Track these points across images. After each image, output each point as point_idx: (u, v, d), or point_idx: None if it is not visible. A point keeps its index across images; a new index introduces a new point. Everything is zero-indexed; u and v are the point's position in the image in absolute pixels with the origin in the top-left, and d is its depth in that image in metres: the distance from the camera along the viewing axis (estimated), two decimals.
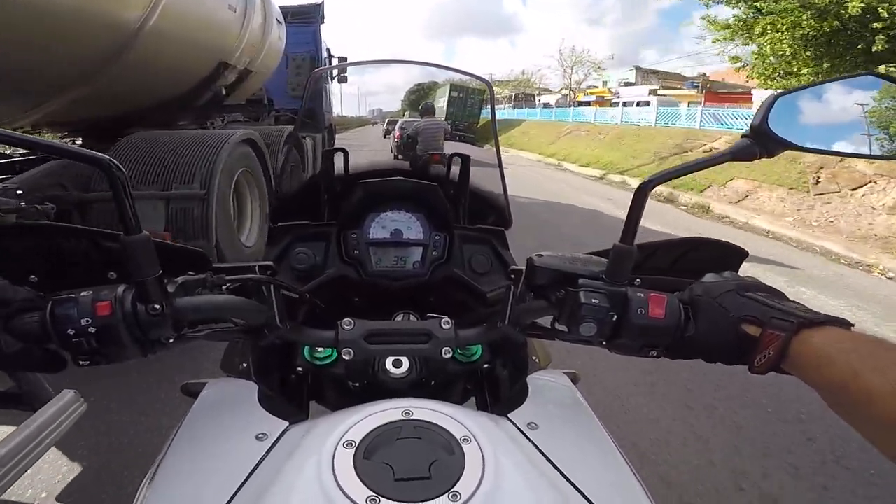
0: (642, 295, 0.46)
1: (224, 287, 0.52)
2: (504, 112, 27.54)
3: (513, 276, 0.56)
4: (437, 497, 0.35)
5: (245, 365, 0.63)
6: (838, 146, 0.49)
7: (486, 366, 0.70)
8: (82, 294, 0.41)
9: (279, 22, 4.78)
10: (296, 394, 0.69)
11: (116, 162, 0.41)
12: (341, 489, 0.35)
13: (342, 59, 7.62)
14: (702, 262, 0.56)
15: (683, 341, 0.46)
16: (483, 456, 0.39)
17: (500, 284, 0.73)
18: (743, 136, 0.45)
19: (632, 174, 9.87)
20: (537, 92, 38.66)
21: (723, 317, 0.44)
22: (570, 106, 23.40)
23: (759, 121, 0.43)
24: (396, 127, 7.66)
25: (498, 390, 0.70)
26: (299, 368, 0.66)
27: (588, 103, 25.28)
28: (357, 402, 0.47)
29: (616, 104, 19.90)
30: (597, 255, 0.52)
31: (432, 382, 0.65)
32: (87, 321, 0.40)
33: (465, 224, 0.83)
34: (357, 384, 0.65)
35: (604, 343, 0.49)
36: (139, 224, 0.42)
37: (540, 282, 0.51)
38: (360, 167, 0.85)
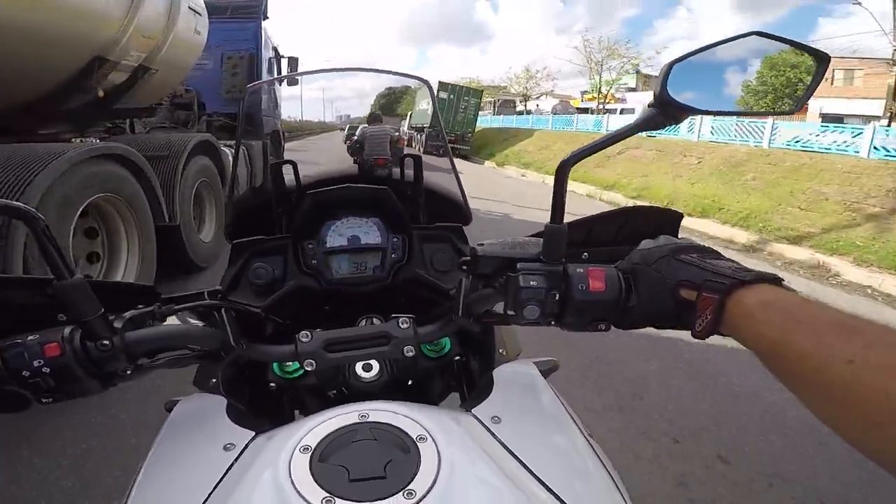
0: (581, 270, 0.47)
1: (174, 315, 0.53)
2: (489, 119, 23.22)
3: (464, 267, 0.56)
4: (391, 496, 0.36)
5: (214, 381, 0.62)
6: (733, 106, 0.51)
7: (457, 358, 0.71)
8: (29, 338, 0.42)
9: (196, 12, 4.06)
10: (278, 406, 0.70)
11: (33, 210, 0.42)
12: (297, 492, 0.36)
13: (292, 60, 6.91)
14: (640, 230, 0.56)
15: (627, 311, 0.46)
16: (439, 453, 0.39)
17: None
18: (648, 105, 0.46)
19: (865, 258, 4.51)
20: (521, 99, 31.47)
21: (660, 283, 0.44)
22: (601, 112, 18.65)
23: (660, 88, 0.44)
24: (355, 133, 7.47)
25: (473, 384, 0.70)
26: (272, 384, 0.66)
27: (587, 110, 22.08)
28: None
29: (629, 111, 17.67)
30: (533, 237, 0.54)
31: (409, 382, 0.66)
32: (40, 362, 0.42)
33: (424, 224, 0.83)
34: (334, 391, 0.65)
35: (552, 322, 0.49)
36: (70, 268, 0.43)
37: (485, 270, 0.52)
38: (310, 178, 0.86)
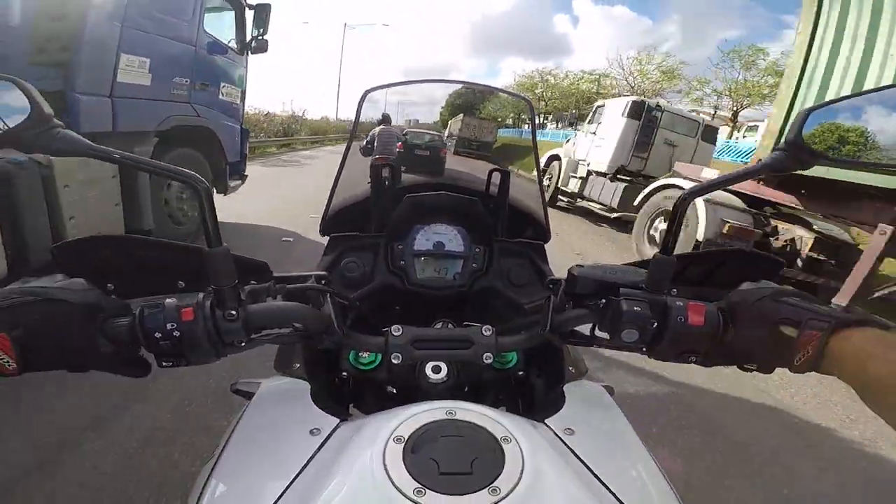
0: (681, 304, 0.48)
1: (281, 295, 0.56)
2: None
3: (551, 285, 0.58)
4: (478, 491, 0.37)
5: (297, 365, 0.65)
6: (869, 158, 0.48)
7: (520, 373, 0.72)
8: (167, 301, 0.45)
9: None
10: (338, 397, 0.71)
11: (203, 180, 0.44)
12: (391, 480, 0.38)
13: (261, 7, 4.10)
14: (737, 274, 0.57)
15: (722, 346, 0.48)
16: (523, 455, 0.41)
17: (538, 296, 0.76)
18: (776, 149, 0.46)
19: None
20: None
21: (760, 320, 0.45)
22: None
23: (794, 134, 0.44)
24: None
25: (531, 398, 0.72)
26: (344, 373, 0.69)
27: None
28: (394, 406, 0.50)
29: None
30: (634, 265, 0.56)
31: (465, 389, 0.67)
32: (173, 325, 0.44)
33: (504, 237, 0.85)
34: (395, 389, 0.68)
35: (643, 349, 0.51)
36: (220, 237, 0.45)
37: (581, 291, 0.54)
38: (407, 181, 0.91)
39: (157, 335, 0.44)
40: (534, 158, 0.97)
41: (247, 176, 4.75)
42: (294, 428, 0.50)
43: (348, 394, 0.73)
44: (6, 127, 0.38)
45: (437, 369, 0.63)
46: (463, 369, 0.64)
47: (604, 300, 0.51)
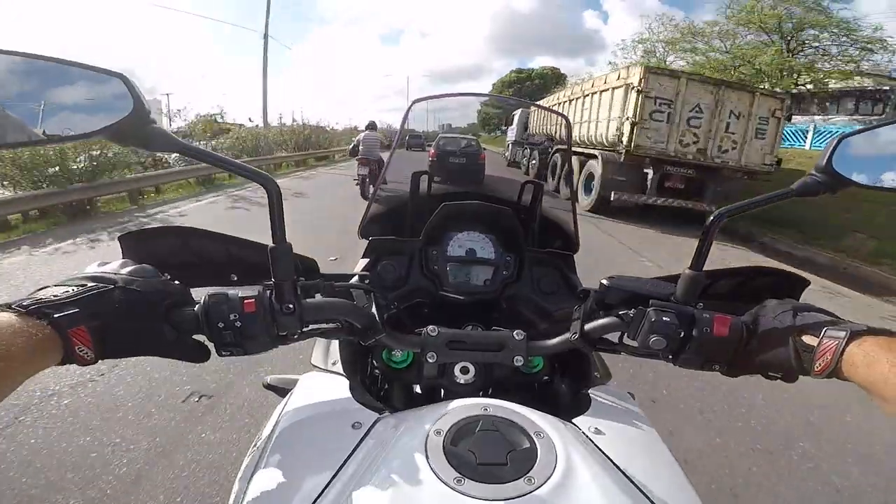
0: (708, 315, 0.51)
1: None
2: None
3: (581, 294, 0.60)
4: (514, 480, 0.40)
5: (333, 361, 0.67)
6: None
7: (545, 378, 0.74)
8: (230, 292, 0.46)
9: None
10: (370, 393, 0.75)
11: (274, 180, 0.47)
12: (433, 470, 0.40)
13: None
14: (763, 290, 0.60)
15: (745, 355, 0.51)
16: (555, 449, 0.44)
17: (566, 304, 0.78)
18: (809, 174, 0.48)
19: None
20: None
21: (781, 331, 0.48)
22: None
23: (825, 161, 0.46)
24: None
25: (555, 403, 0.72)
26: (377, 371, 0.72)
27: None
28: (420, 405, 0.53)
29: None
30: (663, 279, 0.59)
31: (490, 391, 0.68)
32: (235, 316, 0.45)
33: (534, 247, 0.88)
34: (423, 389, 0.71)
35: (670, 357, 0.53)
36: (284, 235, 0.47)
37: (612, 301, 0.57)
38: (443, 190, 0.95)
39: (220, 325, 0.45)
40: (567, 172, 1.04)
41: None
42: (336, 421, 0.52)
43: (376, 392, 0.75)
44: (110, 120, 0.40)
45: (465, 370, 0.64)
46: (490, 372, 0.66)
47: (633, 310, 0.54)
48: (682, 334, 0.51)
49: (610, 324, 0.56)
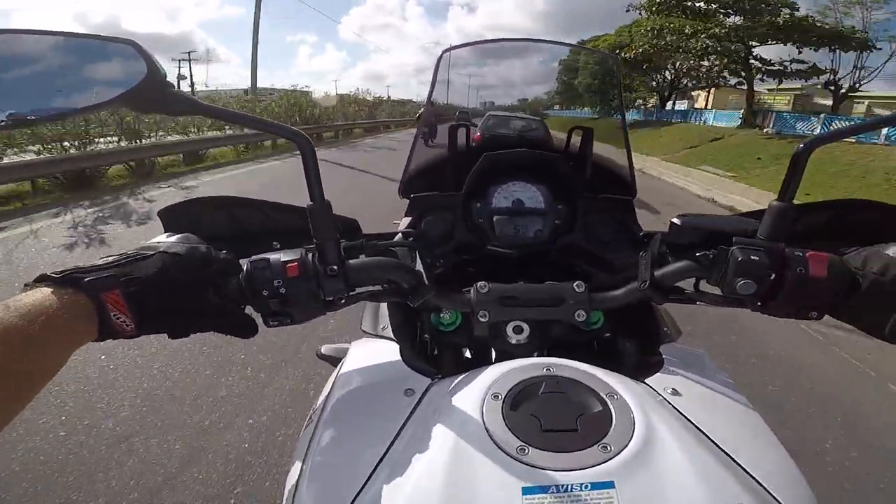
0: (801, 254, 0.44)
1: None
2: None
3: (645, 238, 0.57)
4: (587, 448, 0.36)
5: (383, 326, 0.65)
6: None
7: (606, 335, 0.69)
8: (272, 257, 0.44)
9: None
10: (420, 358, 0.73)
11: (307, 136, 0.44)
12: (492, 438, 0.36)
13: None
14: (863, 227, 0.53)
15: (847, 306, 0.44)
16: (632, 412, 0.39)
17: (626, 252, 0.72)
18: None
19: None
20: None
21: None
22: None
23: None
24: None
25: (619, 362, 0.66)
26: (426, 335, 0.69)
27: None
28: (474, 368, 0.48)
29: None
30: (741, 216, 0.52)
31: (546, 352, 0.63)
32: (279, 282, 0.43)
33: (588, 194, 0.81)
34: (473, 352, 0.67)
35: (759, 304, 0.47)
36: (322, 193, 0.44)
37: (684, 242, 0.51)
38: (482, 141, 0.90)
39: (265, 293, 0.43)
40: (620, 114, 0.92)
41: None
42: (388, 388, 0.50)
43: (426, 358, 0.73)
44: (125, 88, 0.38)
45: (518, 329, 0.60)
46: (546, 330, 0.61)
47: (712, 251, 0.47)
48: (773, 276, 0.44)
49: (685, 267, 0.50)
